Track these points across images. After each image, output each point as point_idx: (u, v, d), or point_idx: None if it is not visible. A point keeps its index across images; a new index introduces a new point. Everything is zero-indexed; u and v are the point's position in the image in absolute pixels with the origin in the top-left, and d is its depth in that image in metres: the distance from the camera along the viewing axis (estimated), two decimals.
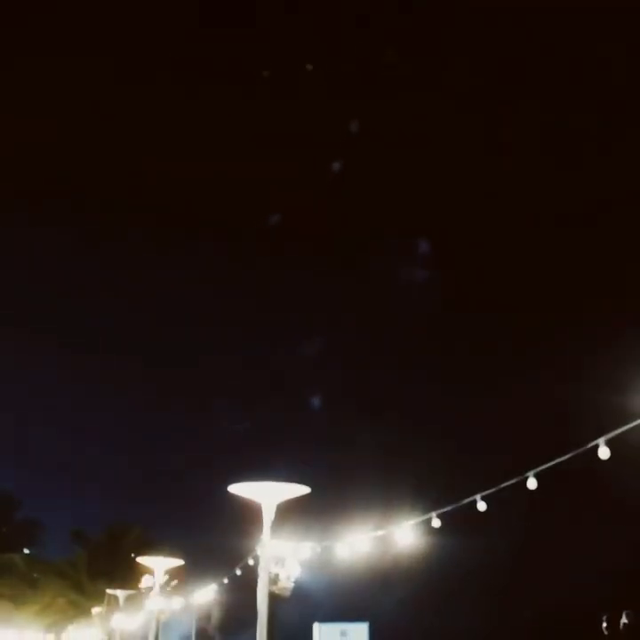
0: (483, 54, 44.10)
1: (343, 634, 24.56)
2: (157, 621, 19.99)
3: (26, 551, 43.32)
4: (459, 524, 11.59)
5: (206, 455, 55.02)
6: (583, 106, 43.29)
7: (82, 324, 69.78)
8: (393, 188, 48.41)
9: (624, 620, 26.99)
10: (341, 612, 30.99)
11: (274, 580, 18.12)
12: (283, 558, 17.88)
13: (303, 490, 9.66)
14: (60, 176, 53.49)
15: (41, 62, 48.57)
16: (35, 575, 39.63)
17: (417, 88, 45.26)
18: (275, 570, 18.12)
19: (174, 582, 29.29)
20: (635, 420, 8.39)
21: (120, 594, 23.94)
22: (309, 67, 44.94)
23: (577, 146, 43.83)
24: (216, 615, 34.98)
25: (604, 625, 26.80)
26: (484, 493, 10.72)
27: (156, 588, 17.66)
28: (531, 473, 9.96)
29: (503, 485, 10.30)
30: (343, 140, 48.10)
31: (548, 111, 44.23)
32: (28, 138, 47.20)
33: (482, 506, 10.79)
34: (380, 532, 13.30)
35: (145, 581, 28.03)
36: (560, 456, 9.47)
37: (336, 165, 47.81)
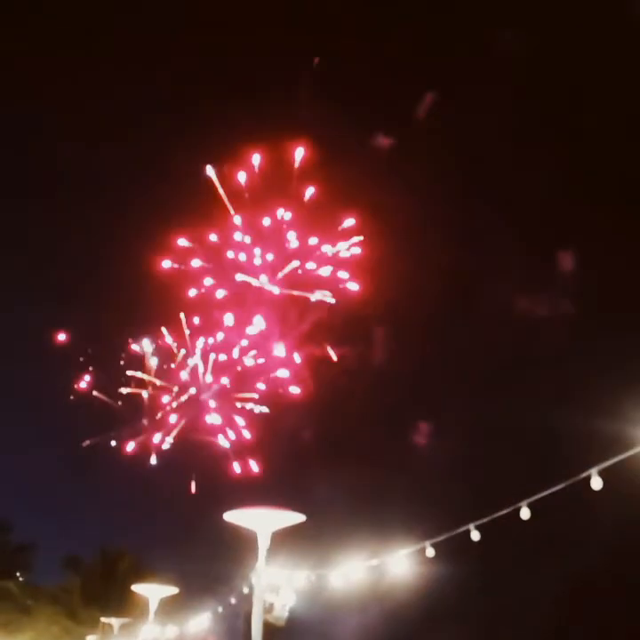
0: None
1: None
2: None
3: (20, 578, 42.93)
4: (452, 553, 11.62)
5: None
6: None
7: None
8: None
9: None
10: None
11: (269, 608, 18.03)
12: (278, 587, 17.80)
13: (298, 518, 9.71)
14: None
15: None
16: (28, 602, 39.23)
17: None
18: (270, 598, 18.03)
19: None
20: (628, 450, 8.47)
21: (114, 622, 23.77)
22: None
23: None
24: None
25: None
26: (477, 523, 10.76)
27: (151, 616, 17.58)
28: (524, 503, 10.00)
29: (497, 515, 10.35)
30: None
31: None
32: None
33: (475, 535, 10.82)
34: (374, 561, 13.30)
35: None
36: (553, 486, 9.53)
37: None
